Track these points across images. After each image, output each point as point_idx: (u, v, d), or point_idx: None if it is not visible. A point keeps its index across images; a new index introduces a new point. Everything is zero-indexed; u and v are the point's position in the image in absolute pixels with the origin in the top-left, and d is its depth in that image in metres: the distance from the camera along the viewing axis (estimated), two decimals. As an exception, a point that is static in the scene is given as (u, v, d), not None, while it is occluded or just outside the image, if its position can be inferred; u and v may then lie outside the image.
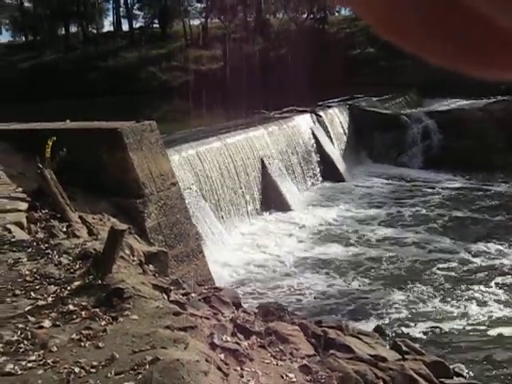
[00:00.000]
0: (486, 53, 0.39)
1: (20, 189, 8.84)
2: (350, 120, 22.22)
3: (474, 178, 19.55)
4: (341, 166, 20.03)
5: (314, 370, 5.44)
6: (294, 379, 5.17)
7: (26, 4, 59.77)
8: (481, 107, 22.70)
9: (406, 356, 6.93)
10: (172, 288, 6.53)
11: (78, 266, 5.92)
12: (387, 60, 31.04)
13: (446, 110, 24.19)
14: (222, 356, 4.95)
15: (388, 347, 7.33)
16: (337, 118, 21.73)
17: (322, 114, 20.74)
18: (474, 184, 19.12)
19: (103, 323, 4.66)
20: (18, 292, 5.30)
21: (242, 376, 4.80)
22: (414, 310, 10.34)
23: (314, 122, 20.06)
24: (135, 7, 58.47)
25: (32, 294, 5.25)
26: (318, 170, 19.38)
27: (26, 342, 4.38)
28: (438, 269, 12.15)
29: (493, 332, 9.46)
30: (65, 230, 7.60)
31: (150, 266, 8.06)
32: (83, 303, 5.03)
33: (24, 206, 8.26)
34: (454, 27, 0.39)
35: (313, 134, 19.52)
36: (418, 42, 0.40)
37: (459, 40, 0.39)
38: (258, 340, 5.89)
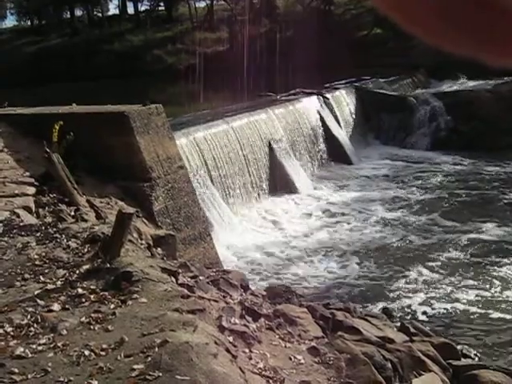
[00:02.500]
0: (498, 40, 0.38)
1: (27, 173, 8.87)
2: (357, 102, 22.11)
3: (482, 160, 19.43)
4: (348, 148, 19.97)
5: (322, 352, 5.48)
6: (302, 361, 5.20)
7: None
8: (489, 88, 22.49)
9: (414, 338, 6.95)
10: (180, 271, 6.56)
11: (86, 250, 5.94)
12: (394, 41, 30.71)
13: (454, 92, 23.96)
14: (231, 338, 4.98)
15: (396, 329, 7.35)
16: (344, 99, 21.62)
17: (328, 96, 20.63)
18: (482, 165, 19.01)
19: (112, 306, 4.69)
20: (27, 276, 5.33)
21: (250, 358, 4.83)
22: (421, 292, 10.34)
23: (320, 104, 19.96)
24: (140, -10, 57.94)
25: (41, 277, 5.28)
26: (325, 152, 19.33)
27: (35, 326, 4.41)
28: (446, 250, 12.13)
29: (501, 314, 9.46)
30: (73, 213, 7.63)
31: (158, 249, 8.10)
32: (92, 287, 5.05)
33: (32, 190, 8.29)
34: (466, 13, 0.38)
35: (320, 116, 19.43)
36: (428, 28, 0.40)
37: (471, 26, 0.38)
38: (266, 322, 5.92)
